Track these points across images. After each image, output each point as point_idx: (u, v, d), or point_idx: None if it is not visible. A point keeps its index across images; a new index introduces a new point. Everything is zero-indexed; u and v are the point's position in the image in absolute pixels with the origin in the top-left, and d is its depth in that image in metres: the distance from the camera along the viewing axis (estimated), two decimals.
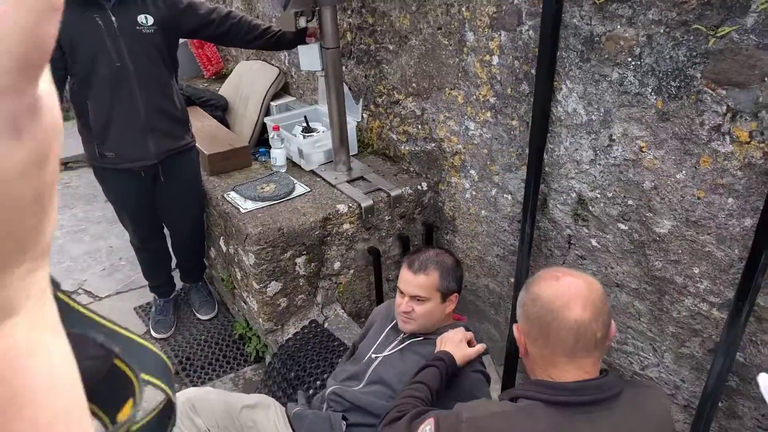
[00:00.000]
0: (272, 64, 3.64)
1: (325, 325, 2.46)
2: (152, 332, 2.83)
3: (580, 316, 1.10)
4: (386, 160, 2.82)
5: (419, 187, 2.58)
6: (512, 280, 2.41)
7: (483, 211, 2.41)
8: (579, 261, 2.08)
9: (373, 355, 1.75)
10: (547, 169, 2.03)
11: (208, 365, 2.69)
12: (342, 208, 2.42)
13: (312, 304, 2.53)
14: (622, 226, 1.87)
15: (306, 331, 2.43)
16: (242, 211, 2.41)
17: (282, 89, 3.59)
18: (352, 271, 2.57)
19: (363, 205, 2.42)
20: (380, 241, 2.57)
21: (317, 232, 2.38)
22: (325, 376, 2.18)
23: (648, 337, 1.94)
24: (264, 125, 3.38)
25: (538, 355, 1.17)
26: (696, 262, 1.69)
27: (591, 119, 1.82)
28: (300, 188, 2.57)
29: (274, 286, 2.39)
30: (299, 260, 2.40)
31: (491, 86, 2.12)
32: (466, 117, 2.30)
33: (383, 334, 1.81)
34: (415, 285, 1.66)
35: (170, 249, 2.84)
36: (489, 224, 2.40)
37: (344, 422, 1.63)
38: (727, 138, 1.50)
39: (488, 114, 2.19)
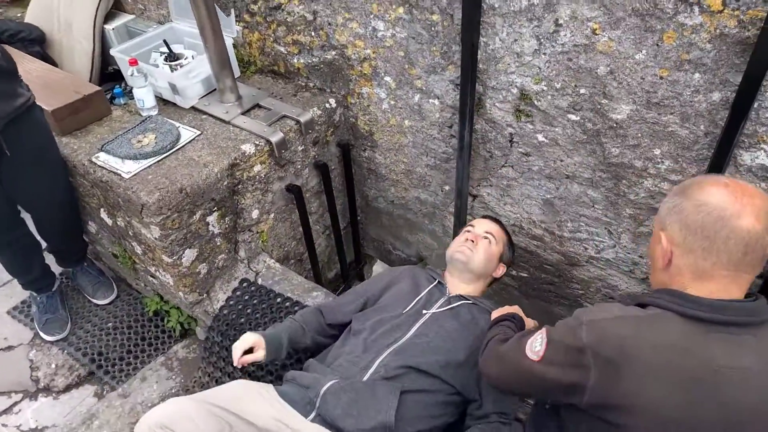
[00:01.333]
0: None
1: (259, 281, 2.17)
2: (43, 335, 2.34)
3: (753, 226, 0.98)
4: (278, 79, 2.41)
5: (327, 105, 2.25)
6: (447, 188, 2.27)
7: (406, 121, 2.17)
8: (524, 158, 1.96)
9: (423, 311, 1.65)
10: (481, 66, 1.81)
11: (128, 354, 2.31)
12: (248, 148, 2.05)
13: (236, 261, 2.21)
14: (573, 117, 1.75)
15: (239, 293, 2.14)
16: (125, 176, 1.94)
17: (114, 6, 2.88)
18: (272, 216, 2.25)
19: (273, 140, 2.06)
20: (296, 176, 2.26)
21: (225, 183, 2.01)
22: None
23: (603, 222, 1.93)
24: (103, 56, 2.74)
25: (691, 266, 1.04)
26: (657, 144, 1.64)
27: (532, 4, 1.60)
28: (187, 133, 2.12)
29: (189, 255, 2.03)
30: (211, 218, 2.04)
31: None
32: (372, 16, 1.97)
33: (426, 291, 1.71)
34: (490, 227, 1.81)
35: (35, 234, 2.29)
36: (415, 134, 2.18)
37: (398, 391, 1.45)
38: (696, 9, 1.37)
39: (401, 10, 1.88)
